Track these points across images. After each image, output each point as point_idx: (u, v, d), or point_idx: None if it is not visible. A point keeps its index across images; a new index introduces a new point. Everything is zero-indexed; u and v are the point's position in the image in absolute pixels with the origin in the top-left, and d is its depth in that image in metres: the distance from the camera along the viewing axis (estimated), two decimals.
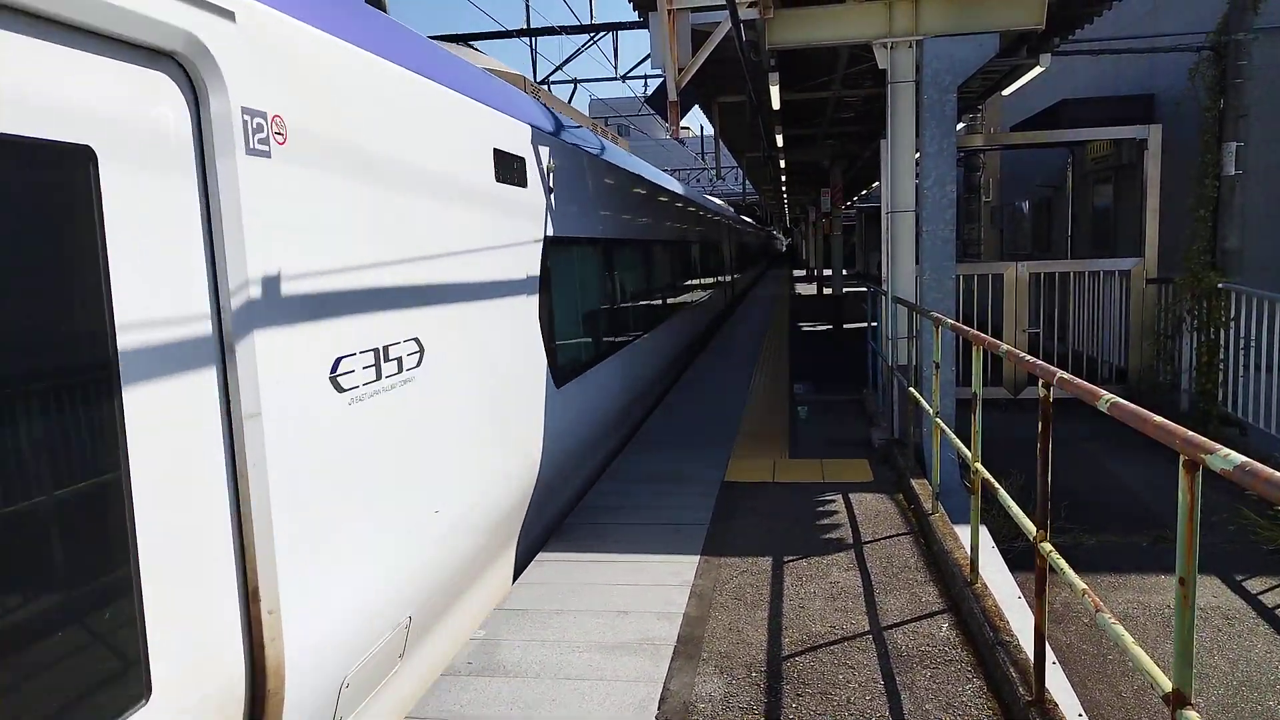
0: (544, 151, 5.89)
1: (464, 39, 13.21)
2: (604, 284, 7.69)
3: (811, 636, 4.09)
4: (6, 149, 1.97)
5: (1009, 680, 3.45)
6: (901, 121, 7.15)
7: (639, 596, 4.61)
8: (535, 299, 5.53)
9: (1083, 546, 6.31)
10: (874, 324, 9.77)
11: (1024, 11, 6.74)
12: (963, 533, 5.01)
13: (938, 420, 5.29)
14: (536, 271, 5.58)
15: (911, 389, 6.64)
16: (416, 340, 3.76)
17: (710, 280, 16.68)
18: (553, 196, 6.08)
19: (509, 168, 5.10)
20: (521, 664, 3.92)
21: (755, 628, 4.21)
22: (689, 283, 13.50)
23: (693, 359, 13.55)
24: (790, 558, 5.08)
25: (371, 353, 3.35)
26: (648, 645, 4.06)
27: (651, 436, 8.26)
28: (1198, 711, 2.15)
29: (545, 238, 5.79)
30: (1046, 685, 3.24)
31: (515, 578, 5.13)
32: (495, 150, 4.91)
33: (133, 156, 2.30)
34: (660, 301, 10.72)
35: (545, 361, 5.66)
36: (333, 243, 3.14)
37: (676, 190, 12.17)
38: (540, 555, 5.24)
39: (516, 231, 5.22)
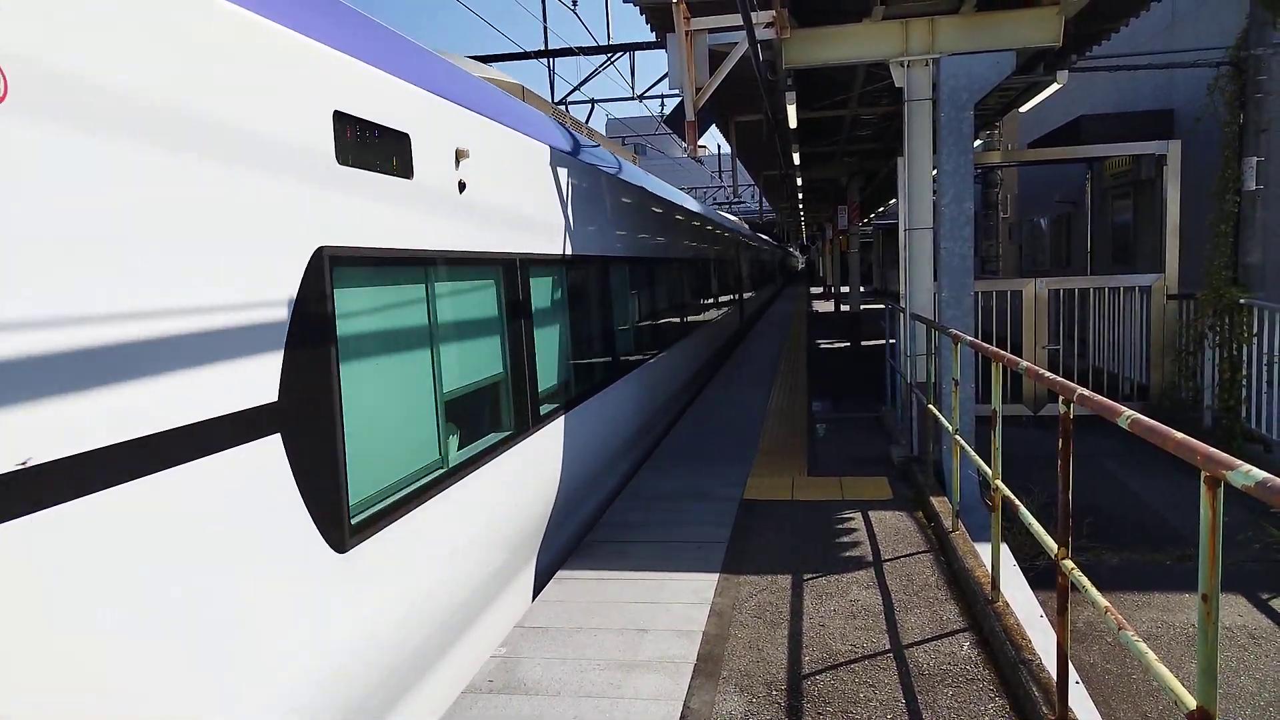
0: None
1: (484, 60, 13.36)
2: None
3: (832, 655, 4.08)
4: None
5: (1032, 699, 3.42)
6: (918, 139, 7.17)
7: (658, 614, 4.61)
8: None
9: (1105, 564, 6.25)
10: (892, 341, 9.76)
11: (1040, 29, 6.76)
12: (983, 550, 4.99)
13: (957, 437, 5.28)
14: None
15: (930, 406, 6.62)
16: None
17: (724, 299, 16.68)
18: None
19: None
20: (542, 681, 3.93)
21: (775, 646, 4.20)
22: (696, 303, 13.47)
23: (707, 381, 13.53)
24: (810, 575, 5.07)
25: None
26: (667, 663, 4.06)
27: (670, 454, 8.27)
28: None
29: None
30: (1070, 705, 3.22)
31: (534, 595, 5.14)
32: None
33: None
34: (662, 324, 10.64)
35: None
36: None
37: (673, 201, 11.96)
38: (560, 573, 5.26)
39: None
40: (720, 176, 44.01)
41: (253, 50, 2.85)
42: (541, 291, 5.72)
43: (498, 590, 4.64)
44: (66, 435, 2.08)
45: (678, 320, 11.19)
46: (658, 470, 7.65)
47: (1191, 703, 2.19)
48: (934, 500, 6.07)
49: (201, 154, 2.57)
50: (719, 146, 30.65)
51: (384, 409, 3.62)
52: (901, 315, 7.85)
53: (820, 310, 31.30)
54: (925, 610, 4.53)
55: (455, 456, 4.23)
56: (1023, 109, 11.64)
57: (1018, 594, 4.82)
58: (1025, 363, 3.89)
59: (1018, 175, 18.07)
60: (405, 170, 3.80)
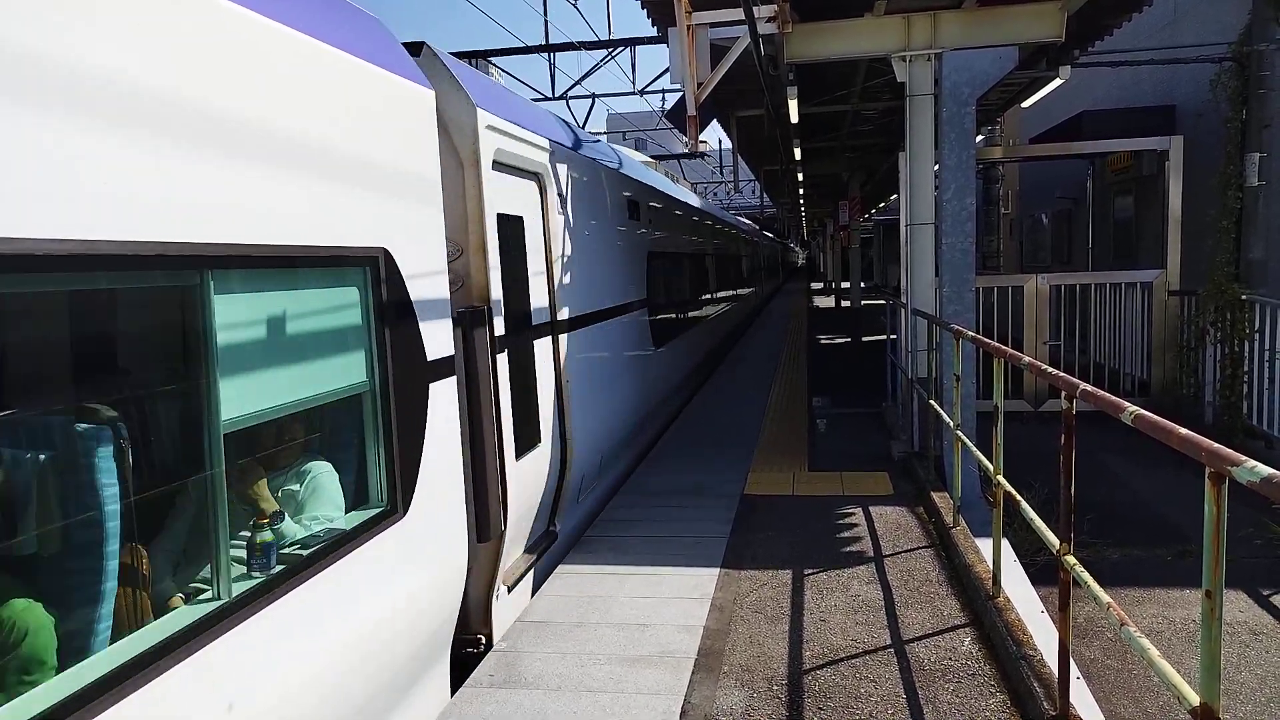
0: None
1: (485, 54, 13.33)
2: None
3: (833, 650, 4.08)
4: None
5: (1033, 695, 3.42)
6: (920, 134, 7.15)
7: (659, 609, 4.61)
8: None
9: (1106, 560, 6.24)
10: (893, 337, 9.75)
11: (1043, 24, 6.74)
12: (984, 546, 4.99)
13: (958, 433, 5.27)
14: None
15: (931, 402, 6.61)
16: None
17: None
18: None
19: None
20: (542, 676, 3.93)
21: (776, 641, 4.20)
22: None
23: (706, 378, 13.47)
24: (810, 570, 5.06)
25: None
26: (668, 658, 4.06)
27: (671, 449, 8.27)
28: None
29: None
30: (1071, 700, 3.22)
31: (535, 590, 5.14)
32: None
33: None
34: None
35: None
36: None
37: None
38: (560, 568, 5.26)
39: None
40: (721, 171, 43.92)
41: None
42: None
43: None
44: None
45: None
46: (658, 466, 7.65)
47: (1194, 699, 2.18)
48: (935, 496, 6.07)
49: None
50: (720, 142, 30.60)
51: None
52: (903, 311, 7.84)
53: (821, 306, 31.29)
54: (926, 606, 4.53)
55: None
56: (1025, 104, 11.63)
57: (1019, 589, 4.82)
58: (1027, 358, 3.88)
59: (1019, 171, 18.01)
60: None
